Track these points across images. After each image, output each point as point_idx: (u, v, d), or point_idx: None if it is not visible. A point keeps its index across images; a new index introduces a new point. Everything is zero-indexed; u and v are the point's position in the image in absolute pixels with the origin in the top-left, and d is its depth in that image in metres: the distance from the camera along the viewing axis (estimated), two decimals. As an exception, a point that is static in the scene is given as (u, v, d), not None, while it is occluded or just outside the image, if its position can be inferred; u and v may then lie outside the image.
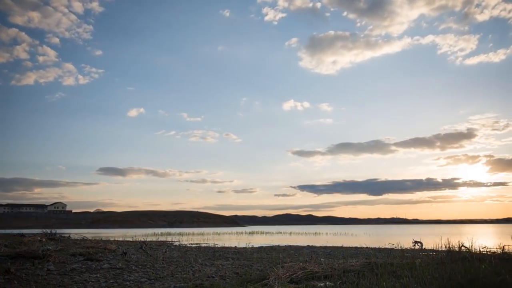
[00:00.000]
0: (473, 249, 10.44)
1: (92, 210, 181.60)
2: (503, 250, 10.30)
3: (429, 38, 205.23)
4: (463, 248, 10.44)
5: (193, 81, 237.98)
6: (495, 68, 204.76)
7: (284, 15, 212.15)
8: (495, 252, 10.54)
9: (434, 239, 12.21)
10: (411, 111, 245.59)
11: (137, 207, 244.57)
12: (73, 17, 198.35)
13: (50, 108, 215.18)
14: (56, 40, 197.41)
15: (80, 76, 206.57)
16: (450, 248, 10.41)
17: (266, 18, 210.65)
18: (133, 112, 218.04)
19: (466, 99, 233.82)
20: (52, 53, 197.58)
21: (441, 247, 10.89)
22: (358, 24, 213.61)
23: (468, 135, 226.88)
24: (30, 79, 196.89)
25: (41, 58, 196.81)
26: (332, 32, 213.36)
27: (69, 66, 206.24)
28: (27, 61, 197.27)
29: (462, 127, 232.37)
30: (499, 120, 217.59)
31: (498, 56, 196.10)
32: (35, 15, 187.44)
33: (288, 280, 8.64)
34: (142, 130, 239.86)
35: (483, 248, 11.00)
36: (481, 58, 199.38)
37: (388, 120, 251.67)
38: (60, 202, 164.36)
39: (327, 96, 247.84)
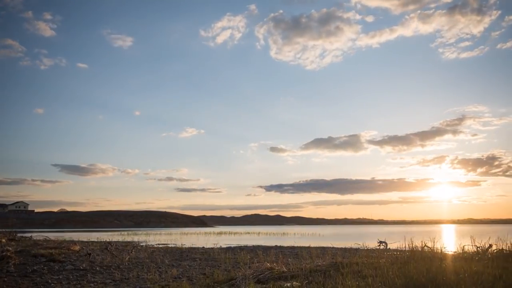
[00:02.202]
0: (435, 249, 10.75)
1: (55, 210, 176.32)
2: (463, 250, 10.68)
3: (431, 27, 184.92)
4: (425, 248, 10.75)
5: (154, 66, 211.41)
6: (491, 63, 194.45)
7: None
8: (455, 251, 10.93)
9: (399, 240, 12.50)
10: (389, 108, 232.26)
11: (103, 206, 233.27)
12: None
13: (1, 96, 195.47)
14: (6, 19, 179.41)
15: (36, 61, 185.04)
16: (413, 248, 10.70)
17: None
18: (96, 106, 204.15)
19: (447, 98, 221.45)
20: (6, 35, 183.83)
21: (405, 247, 11.16)
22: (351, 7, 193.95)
23: (442, 133, 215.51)
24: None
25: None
26: (313, 14, 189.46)
27: (24, 48, 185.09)
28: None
29: (437, 126, 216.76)
30: (477, 119, 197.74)
31: (503, 46, 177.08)
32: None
33: (256, 280, 8.66)
34: (105, 125, 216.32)
35: (444, 248, 11.35)
36: (482, 51, 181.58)
37: (364, 117, 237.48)
38: (21, 201, 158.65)
39: (307, 90, 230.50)
